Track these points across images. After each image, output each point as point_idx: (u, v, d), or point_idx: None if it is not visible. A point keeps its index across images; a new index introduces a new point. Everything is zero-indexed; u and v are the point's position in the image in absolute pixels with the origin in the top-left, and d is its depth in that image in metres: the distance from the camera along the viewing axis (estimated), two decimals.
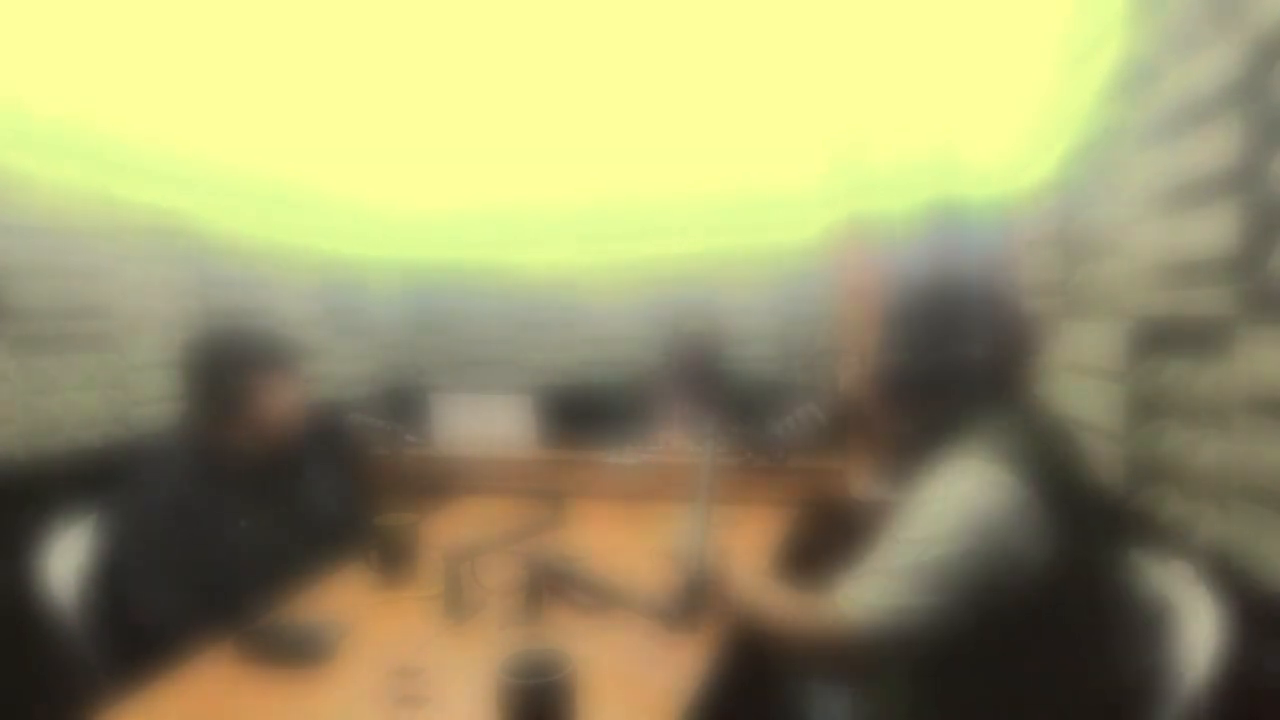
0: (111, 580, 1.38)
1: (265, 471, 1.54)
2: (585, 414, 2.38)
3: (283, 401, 1.55)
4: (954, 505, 1.00)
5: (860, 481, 1.87)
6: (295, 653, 1.15)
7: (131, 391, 2.10)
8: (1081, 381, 1.73)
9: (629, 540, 1.70)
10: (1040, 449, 1.05)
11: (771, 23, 2.81)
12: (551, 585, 1.31)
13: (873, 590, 1.00)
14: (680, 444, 2.21)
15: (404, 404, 2.59)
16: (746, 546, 1.59)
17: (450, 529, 1.66)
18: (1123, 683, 1.02)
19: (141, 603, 1.34)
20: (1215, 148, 1.15)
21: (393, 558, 1.49)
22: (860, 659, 1.03)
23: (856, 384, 1.16)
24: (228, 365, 1.51)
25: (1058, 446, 1.10)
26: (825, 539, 1.15)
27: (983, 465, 1.01)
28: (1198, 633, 0.98)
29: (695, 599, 1.18)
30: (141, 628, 1.30)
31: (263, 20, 2.55)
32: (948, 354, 1.11)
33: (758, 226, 2.99)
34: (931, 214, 2.62)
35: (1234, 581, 1.01)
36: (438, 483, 2.03)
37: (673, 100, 2.99)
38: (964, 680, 1.04)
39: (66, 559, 1.41)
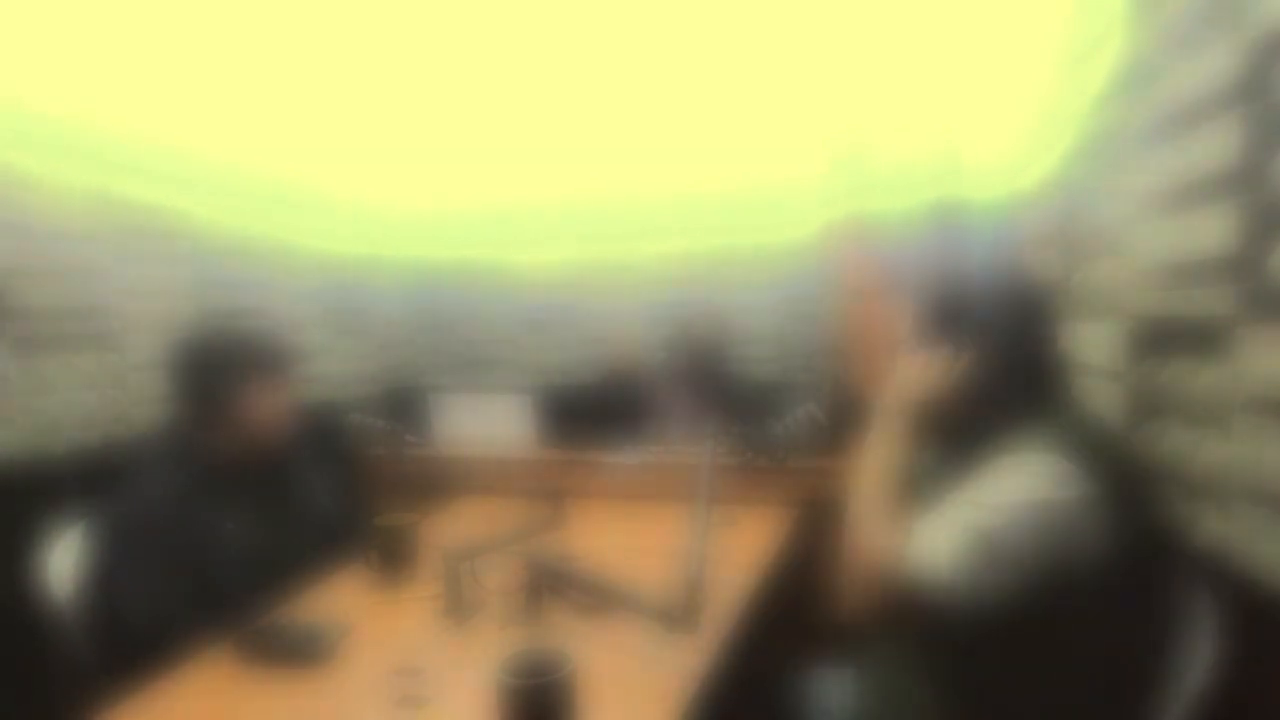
0: (102, 581, 1.38)
1: (254, 474, 1.53)
2: (586, 414, 2.38)
3: (270, 405, 1.53)
4: (1024, 488, 1.00)
5: None
6: (295, 653, 1.15)
7: (131, 391, 2.10)
8: (1081, 381, 1.73)
9: (629, 540, 1.70)
10: (1099, 446, 1.06)
11: (772, 22, 2.81)
12: (551, 585, 1.31)
13: (938, 543, 0.99)
14: (680, 444, 2.21)
15: (404, 404, 2.59)
16: (746, 546, 1.59)
17: (450, 529, 1.66)
18: (1134, 682, 1.02)
19: (131, 604, 1.34)
20: (1215, 148, 1.15)
21: (393, 558, 1.49)
22: (913, 613, 1.00)
23: (906, 381, 1.15)
24: (214, 368, 1.50)
25: (1114, 444, 1.10)
26: (825, 539, 1.15)
27: (1053, 459, 1.01)
28: (1196, 632, 0.98)
29: (695, 599, 1.18)
30: (134, 629, 1.30)
31: (263, 20, 2.55)
32: (1020, 350, 1.12)
33: (758, 226, 2.99)
34: (932, 214, 2.62)
35: (1234, 581, 1.01)
36: (438, 483, 2.03)
37: (673, 100, 2.99)
38: (986, 671, 1.03)
39: (66, 559, 1.41)
